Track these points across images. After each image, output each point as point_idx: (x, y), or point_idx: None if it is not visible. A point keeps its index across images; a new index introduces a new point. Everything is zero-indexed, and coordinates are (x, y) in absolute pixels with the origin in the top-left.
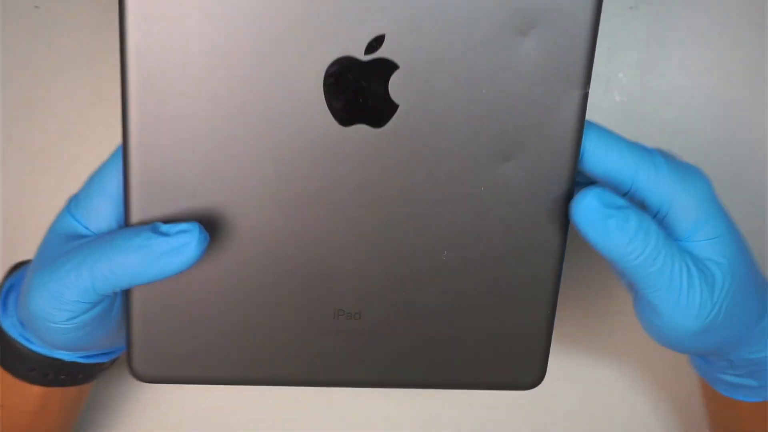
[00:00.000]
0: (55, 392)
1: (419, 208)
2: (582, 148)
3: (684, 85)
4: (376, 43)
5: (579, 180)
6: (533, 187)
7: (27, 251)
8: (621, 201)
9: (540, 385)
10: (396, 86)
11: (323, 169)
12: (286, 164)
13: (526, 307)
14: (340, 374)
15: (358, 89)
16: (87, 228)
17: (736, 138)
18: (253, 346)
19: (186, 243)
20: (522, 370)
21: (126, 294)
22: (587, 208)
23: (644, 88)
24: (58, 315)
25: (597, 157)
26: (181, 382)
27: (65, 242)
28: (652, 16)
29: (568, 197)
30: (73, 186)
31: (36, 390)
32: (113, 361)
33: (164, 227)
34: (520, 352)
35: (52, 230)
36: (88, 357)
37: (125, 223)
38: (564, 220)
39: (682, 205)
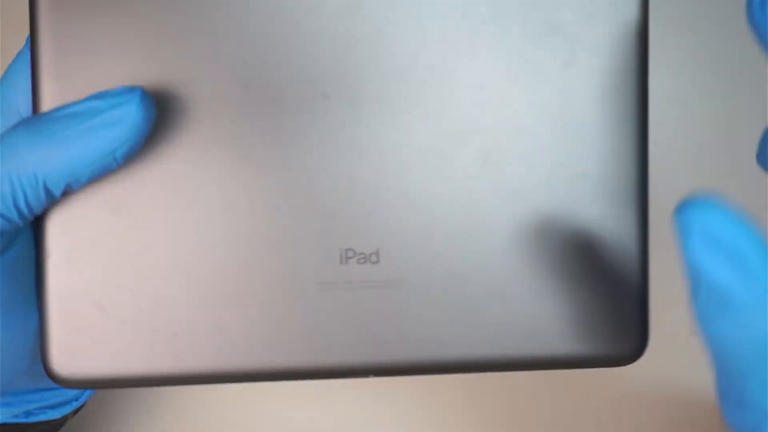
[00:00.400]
0: None
1: (450, 105)
2: None
3: (684, 85)
4: None
5: None
6: (602, 95)
7: None
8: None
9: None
10: None
11: (311, 43)
12: (259, 36)
13: (613, 252)
14: (355, 355)
15: None
16: None
17: (736, 138)
18: (226, 318)
19: (126, 101)
20: (617, 336)
21: (39, 254)
22: (701, 227)
23: None
24: None
25: None
26: (127, 384)
27: None
28: (652, 16)
29: (642, 107)
30: None
31: None
32: (75, 412)
33: (93, 95)
34: (613, 311)
35: None
36: (27, 415)
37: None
38: (643, 135)
39: None
